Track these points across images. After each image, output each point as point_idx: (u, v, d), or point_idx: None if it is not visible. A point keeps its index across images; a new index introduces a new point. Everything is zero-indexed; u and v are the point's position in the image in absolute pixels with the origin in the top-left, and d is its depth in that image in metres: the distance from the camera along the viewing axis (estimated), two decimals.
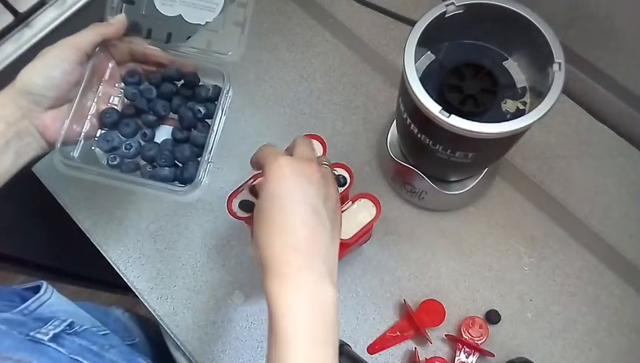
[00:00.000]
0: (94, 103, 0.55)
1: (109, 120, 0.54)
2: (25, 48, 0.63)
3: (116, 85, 0.56)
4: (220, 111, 0.54)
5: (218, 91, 0.56)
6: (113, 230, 0.71)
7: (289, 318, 0.37)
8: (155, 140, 0.57)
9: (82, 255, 0.83)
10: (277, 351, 0.36)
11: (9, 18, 0.62)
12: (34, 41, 0.63)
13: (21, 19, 0.62)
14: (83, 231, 0.72)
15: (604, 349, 0.64)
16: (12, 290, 0.55)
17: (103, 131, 0.55)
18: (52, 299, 0.56)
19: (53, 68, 0.48)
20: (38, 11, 0.64)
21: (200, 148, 0.54)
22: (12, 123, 0.47)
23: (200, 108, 0.55)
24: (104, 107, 0.55)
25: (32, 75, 0.48)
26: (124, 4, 0.55)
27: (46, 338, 0.48)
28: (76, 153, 0.54)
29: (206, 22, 0.55)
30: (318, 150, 0.59)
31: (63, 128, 0.50)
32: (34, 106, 0.48)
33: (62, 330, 0.51)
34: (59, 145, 0.50)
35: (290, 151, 0.45)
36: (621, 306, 0.65)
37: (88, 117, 0.54)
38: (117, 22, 0.53)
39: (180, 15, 0.55)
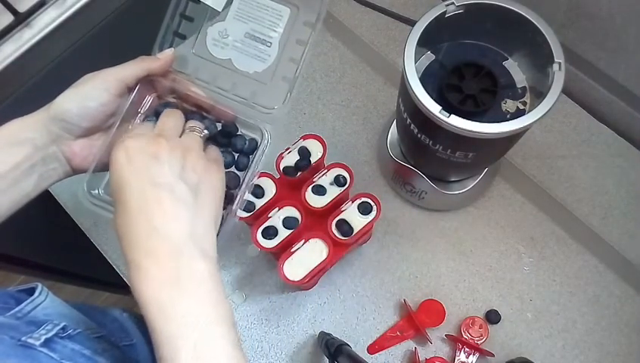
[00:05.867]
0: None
1: None
2: (25, 48, 0.63)
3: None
4: (253, 168, 0.51)
5: (254, 144, 0.54)
6: (113, 230, 0.71)
7: (166, 319, 0.35)
8: None
9: (82, 256, 0.83)
10: (164, 353, 0.34)
11: (9, 18, 0.62)
12: (34, 41, 0.63)
13: (21, 19, 0.62)
14: (83, 231, 0.72)
15: (604, 349, 0.64)
16: (6, 292, 0.54)
17: None
18: (47, 302, 0.55)
19: (91, 99, 0.46)
20: (38, 11, 0.63)
21: (225, 200, 0.51)
22: (40, 148, 0.46)
23: (225, 156, 0.53)
24: None
25: (68, 103, 0.46)
26: (175, 38, 0.53)
27: (38, 343, 0.47)
28: (101, 189, 0.51)
29: (255, 71, 0.52)
30: (318, 150, 0.59)
31: (94, 161, 0.48)
32: (65, 133, 0.47)
33: (55, 335, 0.50)
34: (88, 176, 0.48)
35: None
36: (621, 306, 0.65)
37: None
38: (164, 57, 0.51)
39: (230, 59, 0.52)
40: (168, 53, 0.51)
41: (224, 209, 0.52)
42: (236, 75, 0.53)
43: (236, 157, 0.54)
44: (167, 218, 0.38)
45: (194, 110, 0.54)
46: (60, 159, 0.48)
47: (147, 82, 0.51)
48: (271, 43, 0.52)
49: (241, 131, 0.55)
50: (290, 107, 0.52)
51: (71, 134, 0.48)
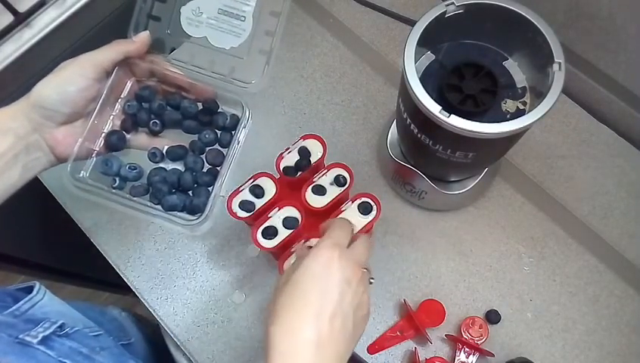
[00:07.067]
0: (109, 121, 0.53)
1: (113, 143, 0.52)
2: (25, 48, 0.63)
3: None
4: (237, 143, 0.52)
5: (236, 120, 0.54)
6: (113, 230, 0.71)
7: None
8: (166, 160, 0.54)
9: (82, 256, 0.83)
10: None
11: (9, 18, 0.62)
12: (34, 41, 0.63)
13: (21, 19, 0.62)
14: (83, 231, 0.72)
15: (604, 349, 0.64)
16: (5, 291, 0.54)
17: (102, 156, 0.53)
18: (44, 300, 0.55)
19: (69, 84, 0.47)
20: (38, 11, 0.64)
21: (211, 177, 0.52)
22: (22, 137, 0.46)
23: (208, 134, 0.54)
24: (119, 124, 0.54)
25: (47, 89, 0.46)
26: (150, 20, 0.53)
27: (35, 341, 0.47)
28: (86, 173, 0.52)
29: (231, 47, 0.53)
30: (318, 150, 0.59)
31: (76, 147, 0.48)
32: (46, 120, 0.47)
33: (52, 333, 0.50)
34: (70, 163, 0.49)
35: (332, 235, 0.44)
36: (621, 306, 0.65)
37: (102, 135, 0.52)
38: (140, 40, 0.51)
39: (205, 37, 0.53)
40: (143, 35, 0.51)
41: (210, 185, 0.53)
42: (213, 52, 0.53)
43: (219, 135, 0.54)
44: (330, 337, 0.39)
45: (174, 91, 0.54)
46: (43, 148, 0.48)
47: (125, 65, 0.52)
48: (245, 17, 0.52)
49: (222, 108, 0.55)
50: (268, 80, 0.52)
51: (52, 122, 0.48)
